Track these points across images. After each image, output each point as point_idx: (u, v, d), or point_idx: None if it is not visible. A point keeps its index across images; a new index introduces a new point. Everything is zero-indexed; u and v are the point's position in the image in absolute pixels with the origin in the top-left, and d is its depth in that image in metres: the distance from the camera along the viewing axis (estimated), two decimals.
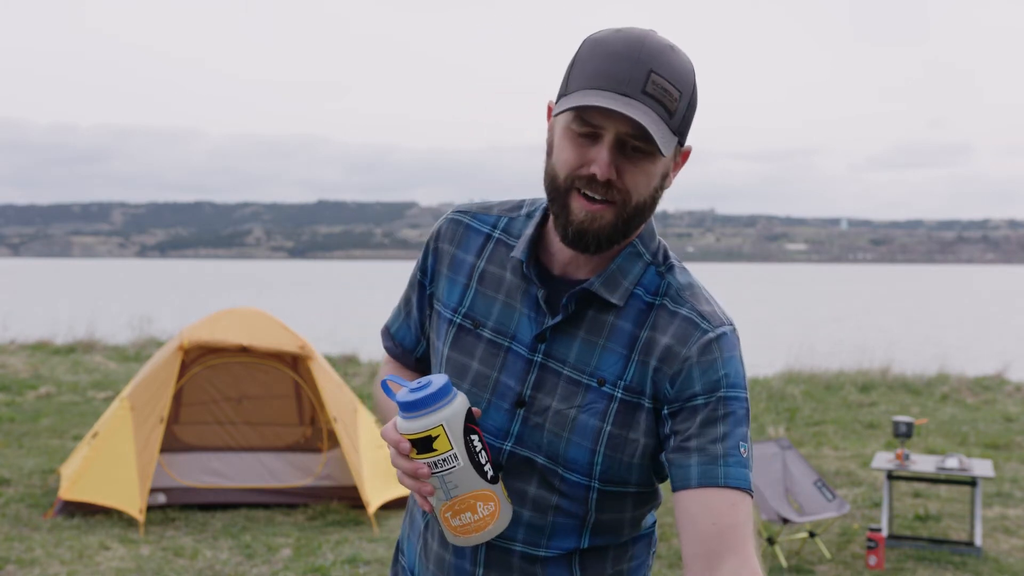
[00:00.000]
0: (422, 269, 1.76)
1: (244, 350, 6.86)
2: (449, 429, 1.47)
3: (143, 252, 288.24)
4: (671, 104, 1.48)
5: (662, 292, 1.60)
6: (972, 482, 6.33)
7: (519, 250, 1.64)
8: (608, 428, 1.57)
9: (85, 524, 6.37)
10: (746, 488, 1.51)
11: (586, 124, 1.49)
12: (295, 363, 6.99)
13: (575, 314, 1.60)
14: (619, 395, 1.58)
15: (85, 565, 5.67)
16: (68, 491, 6.48)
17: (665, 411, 1.57)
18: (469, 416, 1.50)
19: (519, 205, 1.72)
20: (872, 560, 5.84)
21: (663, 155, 1.49)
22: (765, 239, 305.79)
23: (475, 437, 1.50)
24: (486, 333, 1.65)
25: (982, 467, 6.47)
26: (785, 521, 5.83)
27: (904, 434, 6.53)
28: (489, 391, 1.64)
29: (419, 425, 1.46)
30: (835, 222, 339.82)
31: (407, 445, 1.47)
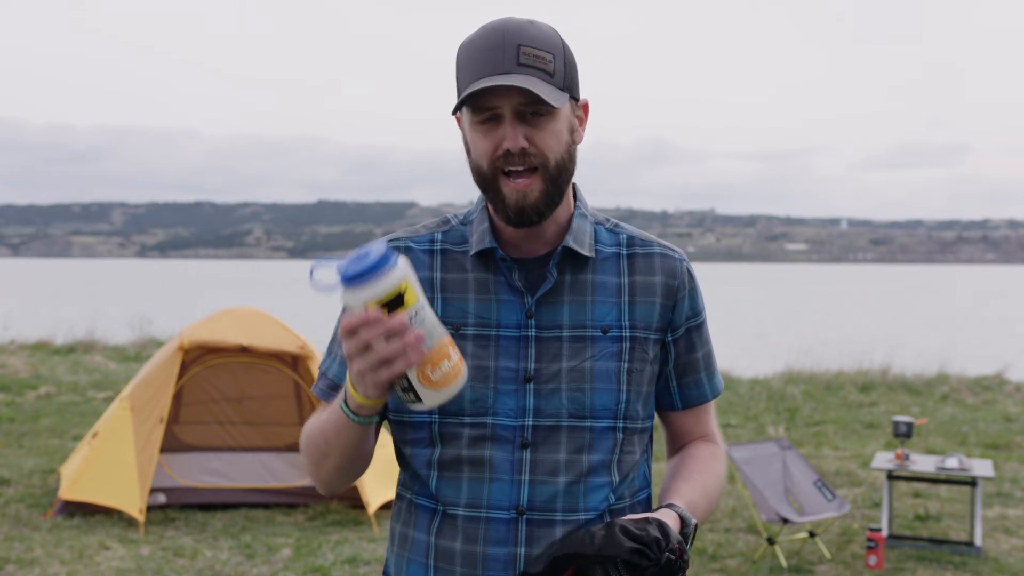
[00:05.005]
0: None
1: (244, 350, 6.86)
2: (411, 279, 1.45)
3: (143, 252, 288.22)
4: (547, 67, 1.62)
5: (624, 243, 1.77)
6: (972, 482, 6.33)
7: (481, 244, 1.71)
8: (625, 366, 1.71)
9: (85, 524, 6.37)
10: (722, 390, 1.88)
11: (484, 110, 1.62)
12: (295, 363, 6.99)
13: (555, 282, 1.70)
14: (627, 335, 1.71)
15: (85, 565, 5.67)
16: (68, 491, 6.48)
17: (669, 338, 1.77)
18: None
19: (445, 220, 1.81)
20: (872, 560, 5.84)
21: (555, 107, 1.61)
22: (765, 239, 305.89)
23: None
24: (470, 331, 1.69)
25: (982, 467, 6.47)
26: (785, 521, 5.84)
27: (904, 434, 6.53)
28: (492, 381, 1.68)
29: (387, 284, 1.41)
30: (835, 222, 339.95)
31: (378, 312, 1.41)
